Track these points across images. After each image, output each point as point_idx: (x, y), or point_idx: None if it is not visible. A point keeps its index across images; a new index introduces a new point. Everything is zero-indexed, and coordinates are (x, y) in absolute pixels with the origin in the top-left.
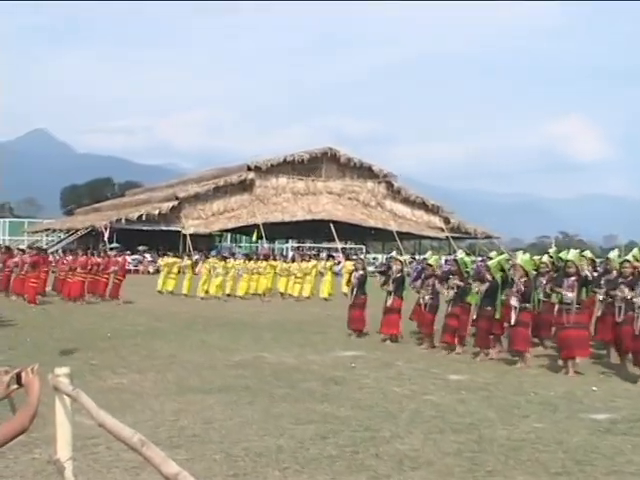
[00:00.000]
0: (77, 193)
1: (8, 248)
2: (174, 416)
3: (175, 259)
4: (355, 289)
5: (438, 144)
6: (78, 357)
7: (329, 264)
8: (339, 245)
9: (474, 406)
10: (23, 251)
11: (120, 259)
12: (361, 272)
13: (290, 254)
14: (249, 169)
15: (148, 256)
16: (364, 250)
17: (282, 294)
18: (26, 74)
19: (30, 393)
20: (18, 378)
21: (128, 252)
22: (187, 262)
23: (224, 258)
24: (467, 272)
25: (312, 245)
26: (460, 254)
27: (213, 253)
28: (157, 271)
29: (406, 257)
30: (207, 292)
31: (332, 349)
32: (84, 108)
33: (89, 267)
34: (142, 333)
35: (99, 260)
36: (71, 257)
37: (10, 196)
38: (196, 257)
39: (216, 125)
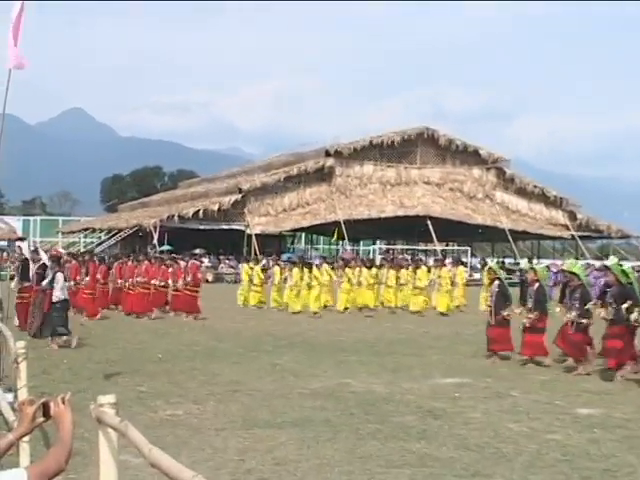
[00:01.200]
0: (120, 185)
1: (91, 254)
2: (239, 455)
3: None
4: (495, 301)
5: (563, 121)
6: (124, 383)
7: (459, 270)
8: (438, 247)
9: (610, 448)
10: (74, 255)
11: (191, 265)
12: (500, 281)
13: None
14: (328, 154)
15: (206, 261)
16: (469, 253)
17: (362, 308)
18: (59, 41)
19: (61, 427)
20: (45, 409)
21: (180, 256)
22: (256, 269)
23: (307, 265)
24: (630, 283)
25: (404, 247)
26: (612, 260)
27: (286, 257)
28: (218, 279)
29: (528, 263)
30: (278, 303)
31: (431, 375)
32: (128, 82)
33: (156, 276)
34: (200, 354)
35: (168, 268)
36: (129, 263)
37: (41, 189)
38: (263, 262)
39: (288, 101)
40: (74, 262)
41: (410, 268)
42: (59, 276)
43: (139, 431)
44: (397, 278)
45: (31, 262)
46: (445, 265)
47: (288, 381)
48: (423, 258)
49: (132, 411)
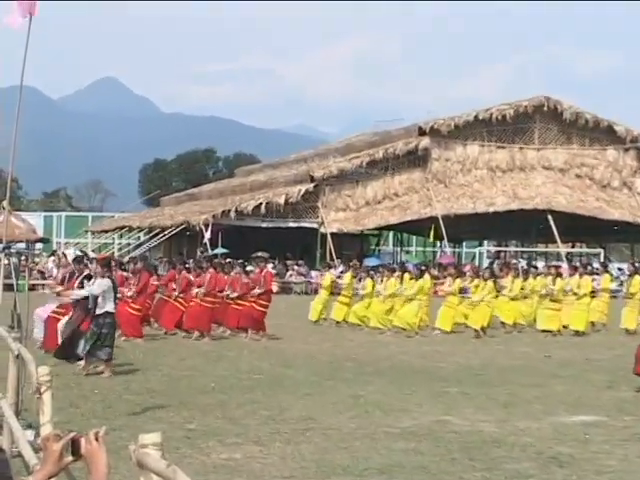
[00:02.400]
0: (163, 173)
1: (143, 261)
2: None
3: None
4: None
5: None
6: (169, 419)
7: (589, 279)
8: (562, 248)
9: None
10: (119, 263)
11: (266, 273)
12: None
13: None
14: (422, 133)
15: (270, 266)
16: (602, 256)
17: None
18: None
19: (94, 470)
20: (75, 447)
21: (241, 261)
22: (327, 276)
23: (408, 272)
24: None
25: (519, 249)
26: None
27: (371, 262)
28: (284, 289)
29: None
30: (360, 319)
31: (554, 411)
32: (171, 46)
33: (223, 286)
34: (263, 384)
35: (244, 279)
36: (183, 270)
37: (67, 179)
38: (340, 269)
39: (371, 68)
40: (118, 271)
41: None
42: (105, 283)
43: (190, 477)
44: (521, 288)
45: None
46: (577, 272)
47: (373, 417)
48: (541, 264)
49: (180, 453)
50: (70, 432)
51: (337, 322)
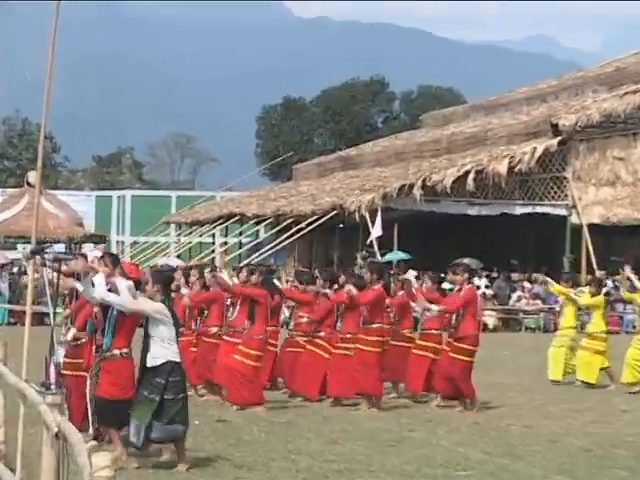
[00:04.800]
0: (298, 122)
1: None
2: None
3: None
4: None
5: None
6: None
7: None
8: None
9: None
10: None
11: (468, 291)
12: None
13: None
14: None
15: (482, 282)
16: None
17: None
18: None
19: None
20: None
21: (430, 273)
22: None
23: None
24: None
25: None
26: None
27: None
28: (512, 323)
29: None
30: None
31: None
32: None
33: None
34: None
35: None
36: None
37: (136, 134)
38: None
39: None
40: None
41: None
42: (157, 309)
43: None
44: None
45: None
46: None
47: None
48: None
49: None
50: None
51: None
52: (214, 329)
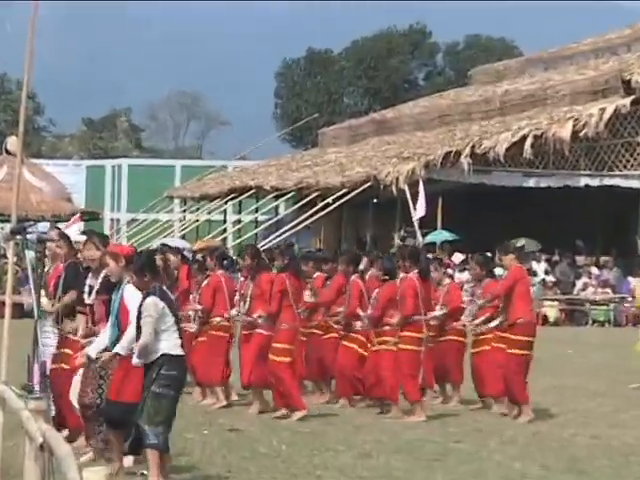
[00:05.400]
0: (324, 77)
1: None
2: None
3: None
4: None
5: None
6: None
7: None
8: None
9: None
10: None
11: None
12: None
13: None
14: None
15: (540, 267)
16: None
17: None
18: None
19: None
20: None
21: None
22: None
23: None
24: None
25: None
26: None
27: None
28: (576, 316)
29: None
30: None
31: None
32: None
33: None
34: None
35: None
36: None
37: (132, 93)
38: None
39: None
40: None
41: None
42: (152, 305)
43: None
44: None
45: None
46: None
47: None
48: None
49: None
50: None
51: None
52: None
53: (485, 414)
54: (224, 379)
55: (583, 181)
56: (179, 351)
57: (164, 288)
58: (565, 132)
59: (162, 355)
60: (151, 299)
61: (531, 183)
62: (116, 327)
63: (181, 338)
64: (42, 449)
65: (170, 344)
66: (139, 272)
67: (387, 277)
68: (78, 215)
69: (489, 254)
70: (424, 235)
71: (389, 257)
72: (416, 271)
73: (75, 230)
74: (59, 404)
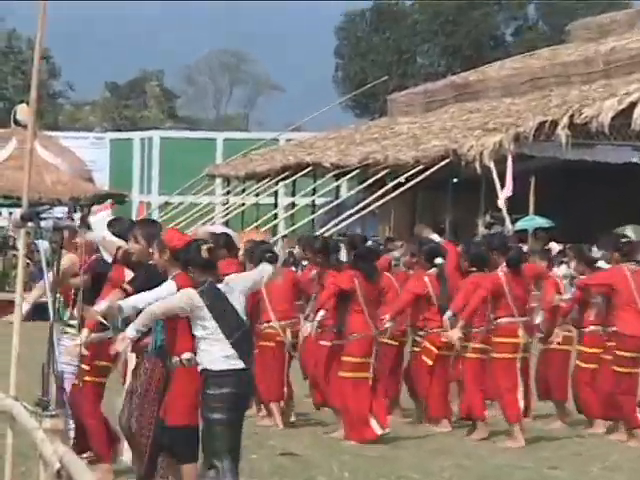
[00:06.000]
0: (394, 32)
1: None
2: None
3: None
4: None
5: None
6: None
7: None
8: None
9: None
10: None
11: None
12: None
13: None
14: None
15: None
16: None
17: None
18: None
19: None
20: None
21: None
22: None
23: None
24: None
25: None
26: None
27: None
28: None
29: None
30: None
31: None
32: None
33: None
34: None
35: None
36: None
37: (164, 55)
38: None
39: None
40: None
41: None
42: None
43: None
44: None
45: None
46: None
47: None
48: None
49: None
50: None
51: None
52: None
53: (587, 436)
54: (281, 397)
55: None
56: (224, 365)
57: (219, 288)
58: None
59: (203, 371)
60: (188, 290)
61: (634, 158)
62: (160, 332)
63: (240, 348)
64: (59, 476)
65: (212, 357)
66: (183, 267)
67: (474, 268)
68: (109, 202)
69: (590, 246)
70: (514, 221)
71: (476, 243)
72: (504, 264)
73: (103, 218)
74: (80, 422)
